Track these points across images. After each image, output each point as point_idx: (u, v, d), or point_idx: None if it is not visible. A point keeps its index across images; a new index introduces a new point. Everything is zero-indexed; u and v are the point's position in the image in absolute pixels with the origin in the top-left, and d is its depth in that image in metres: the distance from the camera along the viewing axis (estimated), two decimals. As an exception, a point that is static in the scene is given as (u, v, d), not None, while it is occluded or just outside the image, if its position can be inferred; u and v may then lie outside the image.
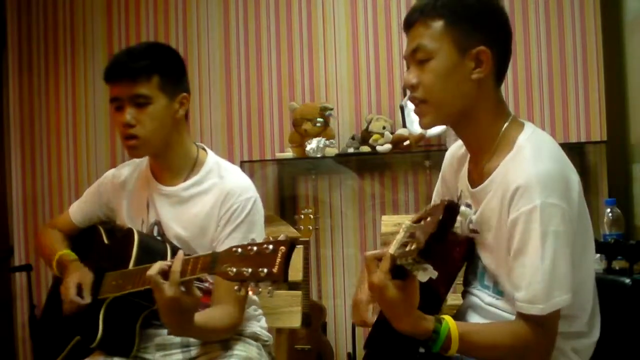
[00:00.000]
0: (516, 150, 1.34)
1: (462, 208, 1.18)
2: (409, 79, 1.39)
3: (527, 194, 1.26)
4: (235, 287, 1.28)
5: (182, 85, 1.76)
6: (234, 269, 1.28)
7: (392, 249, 1.20)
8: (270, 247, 1.26)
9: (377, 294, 1.21)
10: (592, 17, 3.24)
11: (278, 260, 1.24)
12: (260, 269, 1.24)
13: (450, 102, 1.37)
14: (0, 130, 3.93)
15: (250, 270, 1.25)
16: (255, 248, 1.28)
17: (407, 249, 1.15)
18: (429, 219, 1.15)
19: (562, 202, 1.26)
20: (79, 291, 1.68)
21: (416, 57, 1.37)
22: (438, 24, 1.35)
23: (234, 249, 1.32)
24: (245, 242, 1.62)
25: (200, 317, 1.52)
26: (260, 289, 1.25)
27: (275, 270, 1.23)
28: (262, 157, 3.61)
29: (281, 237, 1.27)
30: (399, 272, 1.19)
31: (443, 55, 1.35)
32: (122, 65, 1.68)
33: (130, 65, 1.67)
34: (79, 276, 1.71)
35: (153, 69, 1.67)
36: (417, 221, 1.19)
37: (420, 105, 1.39)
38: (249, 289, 1.27)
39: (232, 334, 1.71)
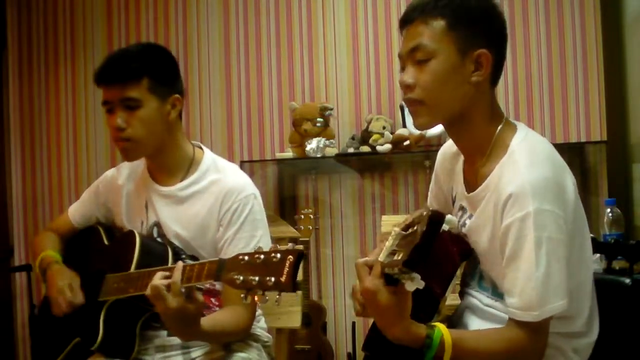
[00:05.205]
0: (509, 154, 1.33)
1: (448, 217, 1.17)
2: (405, 78, 1.37)
3: (520, 200, 1.25)
4: (242, 295, 1.28)
5: (175, 86, 1.74)
6: (241, 277, 1.28)
7: (381, 256, 1.20)
8: (278, 256, 1.26)
9: (370, 299, 1.21)
10: (592, 17, 3.24)
11: (286, 269, 1.24)
12: (268, 278, 1.24)
13: (448, 104, 1.36)
14: (0, 130, 3.93)
15: (257, 278, 1.26)
16: (262, 256, 1.28)
17: (395, 257, 1.15)
18: (416, 227, 1.15)
19: (556, 208, 1.25)
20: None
21: (415, 57, 1.35)
22: (439, 24, 1.33)
23: (240, 256, 1.32)
24: (252, 241, 1.64)
25: (208, 320, 1.52)
26: (267, 298, 1.26)
27: (283, 279, 1.23)
28: (262, 157, 3.61)
29: (289, 247, 1.27)
30: (389, 279, 1.19)
31: (443, 56, 1.33)
32: (112, 68, 1.67)
33: (119, 69, 1.65)
34: (67, 277, 1.71)
35: (142, 72, 1.65)
36: (406, 228, 1.19)
37: (416, 106, 1.37)
38: (256, 297, 1.27)
39: (243, 336, 1.71)
